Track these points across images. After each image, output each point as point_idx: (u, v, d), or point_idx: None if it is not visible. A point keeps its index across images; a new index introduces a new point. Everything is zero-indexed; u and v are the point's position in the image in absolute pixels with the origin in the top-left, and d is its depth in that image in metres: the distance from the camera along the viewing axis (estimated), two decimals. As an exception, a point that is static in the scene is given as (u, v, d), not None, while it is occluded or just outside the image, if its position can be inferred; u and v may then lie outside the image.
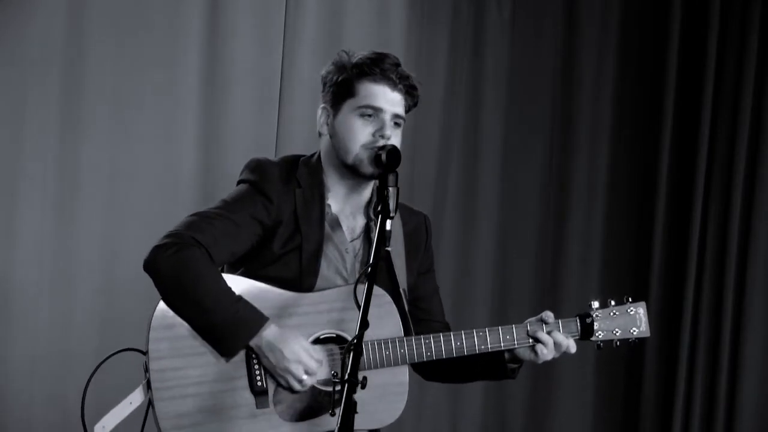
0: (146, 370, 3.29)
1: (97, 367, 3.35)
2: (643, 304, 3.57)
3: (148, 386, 3.27)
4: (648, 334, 3.58)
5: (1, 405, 5.03)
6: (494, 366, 3.55)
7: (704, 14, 5.88)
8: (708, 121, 5.87)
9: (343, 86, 3.42)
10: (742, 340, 5.84)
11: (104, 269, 5.10)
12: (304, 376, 3.29)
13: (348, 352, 3.01)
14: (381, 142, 3.38)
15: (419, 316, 3.56)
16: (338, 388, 3.11)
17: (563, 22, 5.99)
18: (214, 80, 5.31)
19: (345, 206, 3.50)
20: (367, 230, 3.50)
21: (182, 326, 3.28)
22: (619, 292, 5.98)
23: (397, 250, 3.49)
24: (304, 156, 3.53)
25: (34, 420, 4.99)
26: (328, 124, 3.46)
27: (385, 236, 3.17)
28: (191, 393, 3.28)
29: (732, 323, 5.85)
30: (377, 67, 3.41)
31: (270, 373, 3.31)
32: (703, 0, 5.88)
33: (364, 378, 3.00)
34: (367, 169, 3.39)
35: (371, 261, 3.15)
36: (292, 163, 3.48)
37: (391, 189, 3.21)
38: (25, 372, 5.04)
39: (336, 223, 3.46)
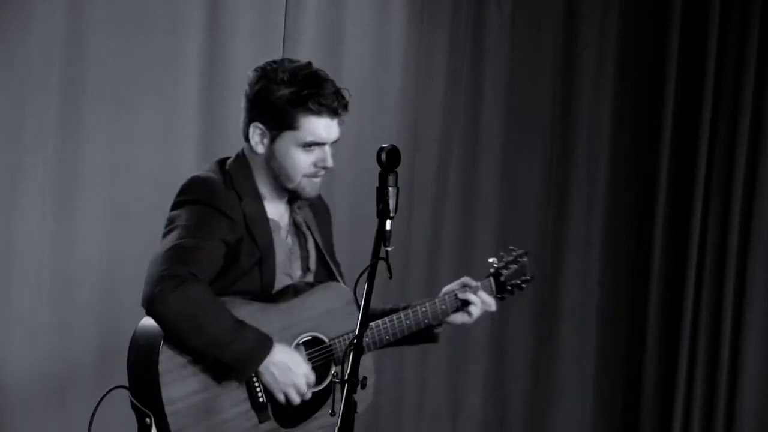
0: (139, 406, 3.38)
1: (96, 408, 3.46)
2: (526, 251, 3.85)
3: (157, 422, 3.36)
4: (533, 278, 3.85)
5: (0, 405, 5.02)
6: (422, 333, 3.73)
7: (704, 14, 5.88)
8: (708, 121, 5.87)
9: (282, 116, 3.45)
10: (742, 340, 5.84)
11: (104, 269, 5.09)
12: (306, 389, 3.44)
13: (348, 352, 3.04)
14: (322, 172, 3.50)
15: None
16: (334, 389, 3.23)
17: (563, 22, 5.99)
18: (214, 80, 5.31)
19: (276, 208, 3.57)
20: (293, 223, 3.60)
21: (187, 365, 3.38)
22: (619, 292, 6.03)
23: (317, 235, 3.63)
24: (228, 159, 3.55)
25: (34, 420, 4.99)
26: (263, 145, 3.49)
27: (385, 236, 3.18)
28: (204, 425, 3.39)
29: (732, 323, 5.85)
30: (319, 98, 3.44)
31: (269, 388, 3.43)
32: (703, 0, 5.88)
33: (365, 378, 3.02)
34: (310, 195, 3.52)
35: (371, 261, 3.15)
36: (224, 172, 3.51)
37: (391, 189, 3.22)
38: (24, 372, 5.04)
39: (276, 226, 3.54)
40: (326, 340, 3.51)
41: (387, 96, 5.71)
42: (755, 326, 5.84)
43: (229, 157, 3.58)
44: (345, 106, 3.51)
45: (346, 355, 3.06)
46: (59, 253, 5.06)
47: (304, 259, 3.61)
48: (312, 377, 3.44)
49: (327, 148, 3.50)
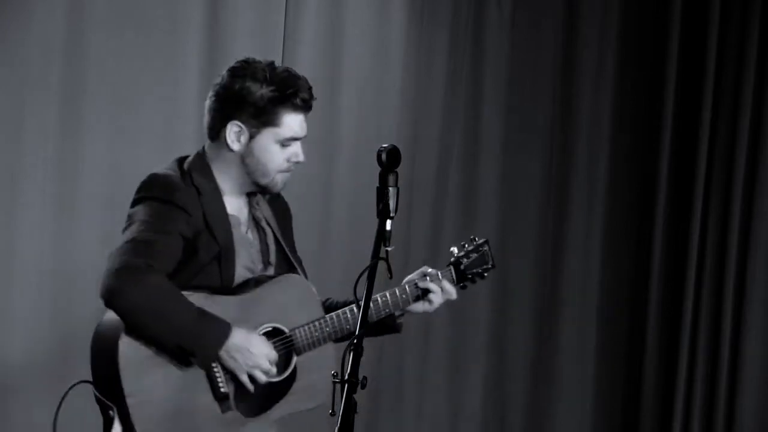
0: (103, 399, 3.44)
1: (60, 404, 3.53)
2: (486, 240, 3.88)
3: (120, 415, 3.42)
4: (494, 267, 3.88)
5: (1, 405, 5.02)
6: (384, 324, 3.77)
7: (704, 14, 5.88)
8: (708, 122, 5.87)
9: (266, 113, 3.53)
10: (742, 340, 5.84)
11: (104, 269, 5.09)
12: (270, 366, 3.49)
13: (348, 352, 3.04)
14: (293, 167, 3.59)
15: None
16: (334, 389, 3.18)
17: (563, 22, 5.99)
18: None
19: (236, 203, 3.63)
20: (252, 218, 3.67)
21: (148, 358, 3.43)
22: (619, 291, 6.04)
23: (277, 231, 3.69)
24: (188, 157, 3.63)
25: (34, 419, 4.99)
26: (240, 142, 3.56)
27: (385, 236, 3.19)
28: (166, 416, 3.44)
29: (732, 323, 5.85)
30: (299, 96, 3.54)
31: (232, 374, 3.48)
32: (703, 0, 5.88)
33: (365, 378, 3.02)
34: (280, 189, 3.62)
35: (371, 261, 3.16)
36: (183, 170, 3.59)
37: (391, 189, 3.23)
38: (25, 372, 5.04)
39: (236, 222, 3.60)
40: (286, 330, 3.57)
41: (387, 96, 5.71)
42: (755, 326, 5.84)
43: (188, 156, 3.65)
44: (313, 97, 3.61)
45: (345, 354, 3.06)
46: (59, 253, 5.06)
47: (264, 253, 3.66)
48: (273, 355, 3.50)
49: (300, 143, 3.59)
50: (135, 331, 3.41)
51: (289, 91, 3.52)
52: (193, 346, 3.42)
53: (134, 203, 3.56)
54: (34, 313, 5.03)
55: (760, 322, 5.84)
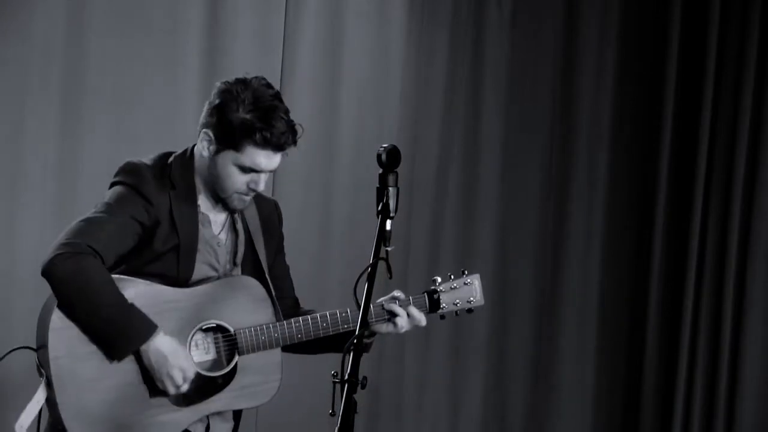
0: (40, 366, 3.54)
1: None
2: (477, 275, 3.86)
3: (48, 383, 3.51)
4: (482, 303, 3.87)
5: (1, 405, 5.02)
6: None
7: (704, 14, 5.88)
8: (708, 121, 5.87)
9: (230, 135, 3.55)
10: (742, 339, 5.84)
11: (104, 269, 5.09)
12: (182, 382, 3.53)
13: (348, 351, 3.05)
14: (253, 193, 3.61)
15: (275, 294, 3.76)
16: (335, 390, 3.17)
17: (563, 22, 5.99)
18: (214, 80, 5.27)
19: (212, 203, 3.67)
20: (231, 221, 3.72)
21: (78, 332, 3.50)
22: (619, 292, 6.04)
23: (257, 236, 3.74)
24: (175, 153, 3.68)
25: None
26: (208, 151, 3.60)
27: (385, 236, 3.19)
28: (89, 388, 3.50)
29: (732, 323, 5.85)
30: (267, 134, 3.53)
31: (151, 374, 3.53)
32: (703, 0, 5.88)
33: (365, 378, 3.02)
34: (236, 208, 3.65)
35: (371, 261, 3.16)
36: (163, 163, 3.64)
37: (391, 189, 3.24)
38: (24, 372, 5.04)
39: (206, 220, 3.66)
40: (231, 329, 3.61)
41: (387, 96, 5.71)
42: (755, 326, 5.84)
43: (174, 152, 3.69)
44: (294, 143, 3.59)
45: (345, 354, 3.06)
46: (59, 253, 5.05)
47: (233, 254, 3.71)
48: (190, 373, 3.53)
49: (263, 174, 3.60)
50: (63, 308, 3.49)
51: (259, 125, 3.52)
52: (112, 337, 3.48)
53: (109, 186, 3.66)
54: (34, 313, 5.02)
55: (760, 322, 5.85)
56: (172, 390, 3.53)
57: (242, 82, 3.59)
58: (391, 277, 3.22)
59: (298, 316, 3.75)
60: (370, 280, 3.13)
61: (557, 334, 6.00)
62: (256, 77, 3.62)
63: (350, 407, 2.97)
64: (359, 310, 3.16)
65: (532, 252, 5.99)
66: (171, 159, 3.65)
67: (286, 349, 3.72)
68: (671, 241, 5.97)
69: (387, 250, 3.20)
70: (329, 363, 3.26)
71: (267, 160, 3.56)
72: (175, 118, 5.24)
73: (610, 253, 6.03)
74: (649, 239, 5.96)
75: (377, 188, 3.25)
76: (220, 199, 3.65)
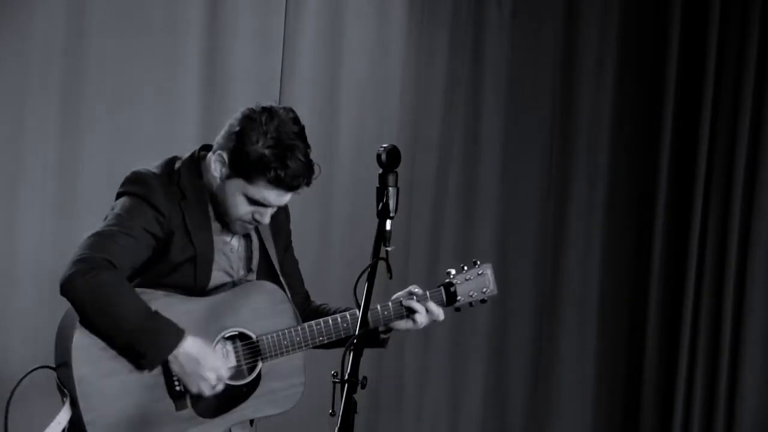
0: (61, 386, 3.49)
1: (13, 390, 3.64)
2: (489, 265, 3.86)
3: (72, 402, 3.44)
4: (496, 292, 3.86)
5: (1, 405, 5.02)
6: (368, 338, 3.69)
7: (704, 14, 5.88)
8: (708, 121, 5.87)
9: (243, 166, 3.48)
10: (742, 339, 5.84)
11: (104, 269, 5.09)
12: (216, 382, 3.49)
13: (348, 351, 3.05)
14: (254, 224, 3.57)
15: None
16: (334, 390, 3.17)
17: (563, 22, 5.99)
18: (214, 80, 5.31)
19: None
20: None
21: (101, 349, 3.45)
22: (619, 292, 6.04)
23: (267, 237, 3.69)
24: (181, 158, 3.61)
25: (34, 420, 4.98)
26: (220, 173, 3.53)
27: (385, 236, 3.19)
28: (116, 405, 3.44)
29: (732, 323, 5.85)
30: (281, 174, 3.46)
31: (180, 379, 3.48)
32: (703, 0, 5.88)
33: (364, 378, 3.02)
34: (237, 232, 3.60)
35: (371, 261, 3.16)
36: (170, 170, 3.58)
37: (391, 189, 3.23)
38: (24, 372, 5.03)
39: (217, 228, 3.60)
40: (253, 336, 3.57)
41: (387, 96, 5.71)
42: (755, 326, 5.84)
43: (178, 157, 3.63)
44: (308, 184, 3.54)
45: (345, 354, 3.06)
46: (59, 253, 5.05)
47: (248, 259, 3.67)
48: (223, 372, 3.50)
49: (270, 209, 3.55)
50: (86, 324, 3.44)
51: (275, 164, 3.46)
52: (141, 347, 3.42)
53: (116, 197, 3.59)
54: (34, 313, 5.03)
55: (760, 322, 5.84)
56: (207, 391, 3.48)
57: (268, 112, 3.50)
58: (391, 277, 3.22)
59: (311, 310, 3.73)
60: (370, 280, 3.13)
61: (557, 334, 6.00)
62: (284, 108, 3.54)
63: (350, 407, 2.97)
64: (366, 308, 3.14)
65: (532, 252, 5.99)
66: (178, 165, 3.59)
67: (317, 348, 3.67)
68: (671, 241, 5.97)
69: (387, 250, 3.19)
70: (329, 363, 3.26)
71: (276, 198, 3.51)
72: (175, 118, 5.24)
73: (610, 253, 6.04)
74: (649, 239, 5.96)
75: (377, 188, 3.25)
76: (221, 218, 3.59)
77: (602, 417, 6.05)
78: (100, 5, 5.11)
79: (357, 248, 5.34)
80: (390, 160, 3.25)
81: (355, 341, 3.02)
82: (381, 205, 3.22)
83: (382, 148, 3.28)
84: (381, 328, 3.73)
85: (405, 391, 5.81)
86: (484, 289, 3.82)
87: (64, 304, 5.03)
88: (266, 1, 5.44)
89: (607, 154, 6.02)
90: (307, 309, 3.77)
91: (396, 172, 3.26)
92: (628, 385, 6.03)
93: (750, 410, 5.85)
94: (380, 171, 3.26)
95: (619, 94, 6.03)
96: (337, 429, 2.96)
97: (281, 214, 3.73)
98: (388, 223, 3.21)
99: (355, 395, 2.98)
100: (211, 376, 3.47)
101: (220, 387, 3.50)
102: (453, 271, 3.82)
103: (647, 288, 5.96)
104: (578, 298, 6.01)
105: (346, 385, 2.98)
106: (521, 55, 5.95)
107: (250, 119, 3.49)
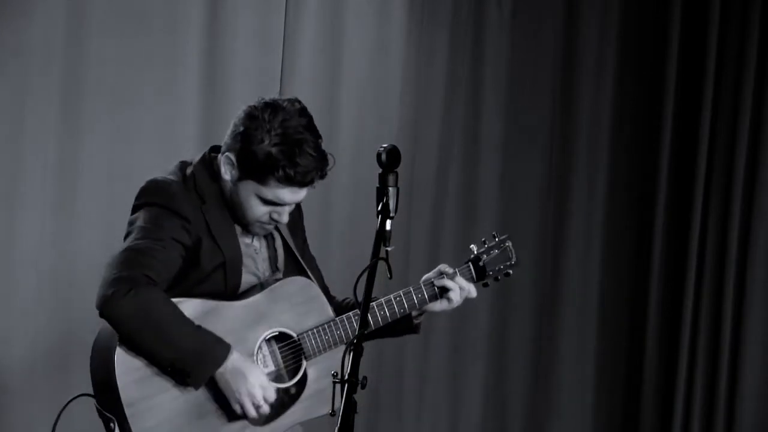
0: (104, 411, 3.37)
1: (58, 417, 3.52)
2: (508, 236, 3.82)
3: (121, 428, 3.35)
4: (519, 264, 3.84)
5: (0, 405, 5.02)
6: (401, 325, 3.70)
7: (704, 14, 5.88)
8: (708, 121, 5.87)
9: (252, 167, 3.40)
10: (742, 339, 5.84)
11: (104, 269, 5.09)
12: (263, 403, 3.41)
13: (348, 351, 3.03)
14: (273, 224, 3.49)
15: None
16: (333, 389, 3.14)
17: (563, 22, 5.99)
18: (214, 80, 5.31)
19: None
20: None
21: (144, 368, 3.36)
22: (619, 291, 6.04)
23: (285, 232, 3.61)
24: (192, 162, 3.53)
25: (34, 420, 4.99)
26: (230, 176, 3.45)
27: (385, 236, 3.18)
28: (168, 426, 3.37)
29: (732, 323, 5.85)
30: (292, 171, 3.37)
31: (226, 395, 3.40)
32: (703, 0, 5.88)
33: (364, 378, 3.02)
34: (257, 234, 3.51)
35: (371, 261, 3.16)
36: (184, 175, 3.49)
37: (391, 189, 3.22)
38: (24, 373, 5.04)
39: (239, 231, 3.53)
40: (294, 335, 3.51)
41: (387, 96, 5.71)
42: (755, 326, 5.84)
43: (190, 160, 3.56)
44: (322, 176, 3.47)
45: (345, 354, 3.06)
46: (59, 253, 5.06)
47: (273, 259, 3.60)
48: (270, 390, 3.42)
49: (287, 207, 3.49)
50: (128, 344, 3.36)
51: (283, 162, 3.38)
52: (188, 364, 3.35)
53: (134, 210, 3.51)
54: (34, 313, 5.03)
55: (760, 322, 5.85)
56: (252, 412, 3.41)
57: (271, 107, 3.43)
58: (390, 277, 3.22)
59: (335, 306, 3.64)
60: (370, 280, 3.13)
61: (557, 334, 6.00)
62: (289, 100, 3.46)
63: (350, 407, 2.96)
64: (366, 308, 3.11)
65: (532, 252, 5.99)
66: (190, 170, 3.51)
67: None
68: (671, 241, 5.97)
69: (387, 250, 3.18)
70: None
71: (291, 195, 3.45)
72: (175, 118, 5.24)
73: (610, 253, 6.04)
74: (649, 239, 5.97)
75: (377, 188, 3.24)
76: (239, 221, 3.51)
77: (602, 417, 6.05)
78: (100, 5, 5.11)
79: (357, 248, 5.34)
80: (390, 160, 3.25)
81: (355, 341, 3.02)
82: (381, 205, 3.21)
83: (382, 148, 3.28)
84: (414, 313, 3.68)
85: (405, 391, 5.81)
86: (508, 262, 3.81)
87: (65, 305, 5.06)
88: (266, 1, 5.44)
89: (607, 154, 6.02)
90: (331, 304, 3.68)
91: (396, 172, 3.25)
92: (628, 385, 6.03)
93: (750, 410, 5.85)
94: (380, 171, 3.26)
95: (619, 94, 6.03)
96: (337, 429, 2.96)
97: (295, 211, 3.65)
98: (388, 223, 3.20)
99: (355, 395, 2.98)
100: (258, 394, 3.40)
101: (266, 408, 3.41)
102: (475, 247, 3.78)
103: (647, 288, 5.96)
104: (578, 298, 6.01)
105: (346, 385, 2.98)
106: (521, 55, 5.95)
107: (252, 117, 3.42)
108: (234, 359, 3.38)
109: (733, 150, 5.84)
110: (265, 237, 3.60)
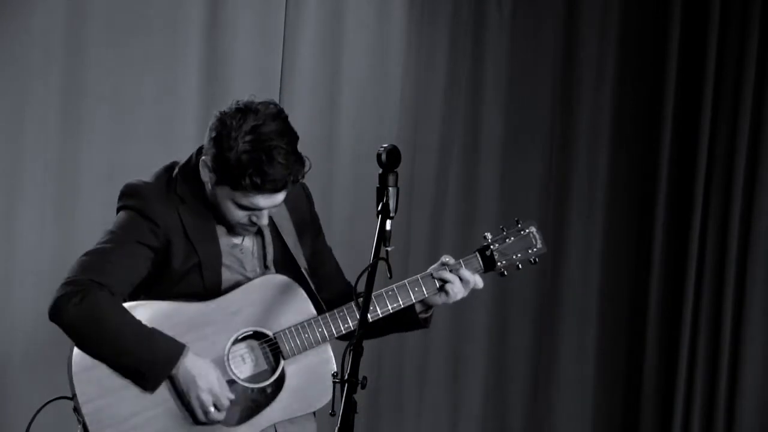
0: (77, 412, 3.37)
1: (31, 421, 3.53)
2: (534, 222, 3.66)
3: (84, 429, 3.35)
4: (545, 250, 3.66)
5: (0, 405, 5.02)
6: (406, 318, 3.60)
7: (704, 14, 5.87)
8: (708, 121, 5.86)
9: (224, 173, 3.34)
10: (743, 339, 5.84)
11: (104, 269, 5.09)
12: (212, 408, 3.36)
13: (348, 352, 3.03)
14: (254, 227, 3.43)
15: (322, 283, 3.61)
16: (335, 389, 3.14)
17: (563, 22, 5.99)
18: (215, 80, 5.31)
19: None
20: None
21: (102, 365, 3.35)
22: (619, 291, 6.04)
23: (287, 229, 3.54)
24: (178, 164, 3.50)
25: (34, 421, 4.98)
26: (209, 179, 3.40)
27: (385, 236, 3.18)
28: (131, 424, 3.35)
29: (732, 323, 5.85)
30: (258, 179, 3.30)
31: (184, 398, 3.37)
32: (703, 0, 5.88)
33: (364, 378, 3.02)
34: (241, 235, 3.46)
35: (371, 261, 3.15)
36: (168, 177, 3.46)
37: (391, 189, 3.22)
38: (25, 372, 5.04)
39: (224, 231, 3.49)
40: (269, 333, 3.46)
41: (387, 96, 5.71)
42: (755, 326, 5.84)
43: (177, 162, 3.53)
44: (295, 181, 3.37)
45: (345, 354, 3.05)
46: (59, 253, 5.06)
47: (262, 257, 3.54)
48: (223, 398, 3.36)
49: (264, 211, 3.42)
50: (80, 348, 3.36)
51: (251, 170, 3.30)
52: (141, 367, 3.33)
53: (116, 213, 3.50)
54: (34, 313, 5.03)
55: (760, 321, 5.84)
56: (201, 416, 3.36)
57: (242, 112, 3.35)
58: (390, 277, 3.22)
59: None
60: (370, 280, 3.13)
61: (557, 334, 6.00)
62: (263, 103, 3.39)
63: (350, 407, 2.96)
64: (366, 308, 3.09)
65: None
66: (177, 170, 3.48)
67: (344, 337, 3.49)
68: (671, 241, 5.97)
69: (387, 250, 3.18)
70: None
71: (265, 200, 3.37)
72: (174, 118, 5.24)
73: (610, 253, 6.03)
74: (649, 239, 5.96)
75: (377, 188, 3.24)
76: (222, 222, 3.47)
77: (602, 417, 6.05)
78: (100, 5, 5.11)
79: (357, 248, 5.34)
80: (390, 160, 3.25)
81: (355, 341, 3.02)
82: (381, 205, 3.21)
83: (382, 148, 3.28)
84: (418, 308, 3.60)
85: (405, 391, 5.81)
86: (531, 249, 3.68)
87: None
88: (266, 1, 5.44)
89: (607, 154, 6.01)
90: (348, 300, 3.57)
91: (396, 172, 3.25)
92: (628, 385, 6.03)
93: (750, 410, 5.85)
94: (380, 171, 3.26)
95: (619, 94, 6.02)
96: (337, 429, 2.96)
97: (301, 203, 3.60)
98: (388, 223, 3.20)
99: (355, 395, 2.98)
100: (207, 399, 3.36)
101: (217, 417, 3.37)
102: (489, 235, 3.67)
103: (647, 288, 5.95)
104: (578, 298, 6.01)
105: (346, 385, 2.98)
106: (521, 55, 5.95)
107: (223, 123, 3.36)
108: (187, 361, 3.35)
109: (733, 150, 5.84)
110: (256, 235, 3.54)
